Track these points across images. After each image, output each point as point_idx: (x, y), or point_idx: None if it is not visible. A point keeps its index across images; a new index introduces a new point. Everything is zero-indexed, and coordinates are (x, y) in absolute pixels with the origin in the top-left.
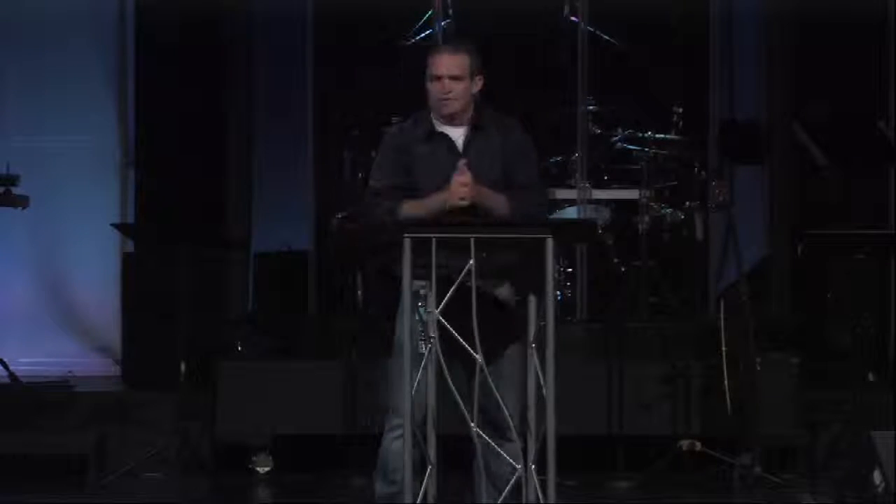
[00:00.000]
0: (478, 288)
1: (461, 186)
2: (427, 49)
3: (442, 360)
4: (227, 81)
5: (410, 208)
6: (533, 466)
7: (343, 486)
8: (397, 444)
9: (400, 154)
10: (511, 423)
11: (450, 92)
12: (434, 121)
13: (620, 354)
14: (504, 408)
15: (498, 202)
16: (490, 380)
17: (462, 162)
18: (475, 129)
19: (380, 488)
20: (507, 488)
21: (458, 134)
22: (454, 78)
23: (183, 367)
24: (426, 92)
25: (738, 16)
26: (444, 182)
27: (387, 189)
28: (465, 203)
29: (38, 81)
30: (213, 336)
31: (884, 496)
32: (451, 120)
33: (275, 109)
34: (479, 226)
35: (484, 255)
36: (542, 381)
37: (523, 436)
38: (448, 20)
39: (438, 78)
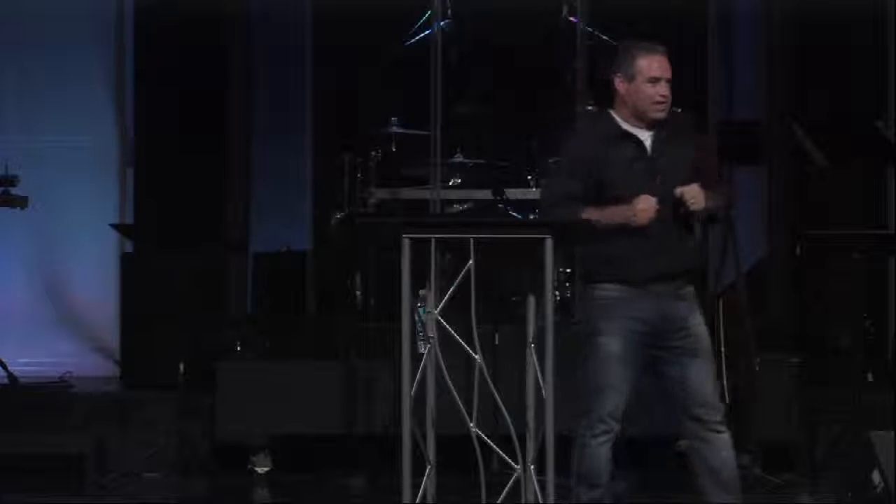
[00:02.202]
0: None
1: (645, 212)
2: (630, 47)
3: (441, 361)
4: (226, 81)
5: (590, 216)
6: (532, 466)
7: (343, 486)
8: (605, 449)
9: (583, 159)
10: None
11: (666, 95)
12: (619, 120)
13: None
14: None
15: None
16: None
17: (658, 179)
18: (660, 130)
19: (583, 494)
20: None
21: (645, 135)
22: (668, 81)
23: (182, 367)
24: (633, 91)
25: (738, 16)
26: (636, 186)
27: (562, 200)
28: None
29: (37, 81)
30: (213, 336)
31: (883, 496)
32: (649, 122)
33: (274, 109)
34: (478, 226)
35: None
36: (541, 382)
37: (522, 436)
38: (447, 20)
39: (657, 80)
